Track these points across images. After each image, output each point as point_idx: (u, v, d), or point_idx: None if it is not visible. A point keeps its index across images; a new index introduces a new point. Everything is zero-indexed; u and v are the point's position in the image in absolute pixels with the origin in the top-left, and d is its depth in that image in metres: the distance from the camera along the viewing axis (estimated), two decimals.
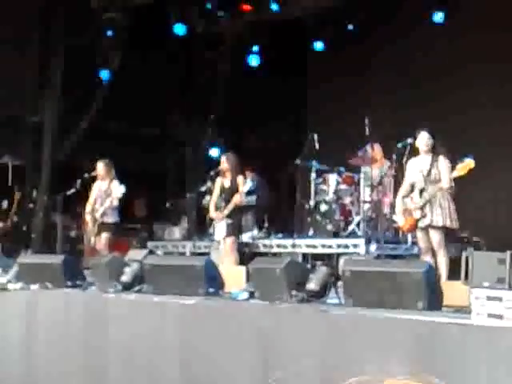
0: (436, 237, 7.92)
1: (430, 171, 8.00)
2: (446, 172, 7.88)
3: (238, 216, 10.02)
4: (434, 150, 8.07)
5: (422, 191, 8.01)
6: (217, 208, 9.97)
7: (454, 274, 7.27)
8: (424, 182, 8.01)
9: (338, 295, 5.79)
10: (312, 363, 5.22)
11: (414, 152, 8.36)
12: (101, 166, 10.65)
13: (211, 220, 10.09)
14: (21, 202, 12.85)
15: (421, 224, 7.99)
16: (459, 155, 7.70)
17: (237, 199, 9.89)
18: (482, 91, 12.27)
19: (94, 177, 10.70)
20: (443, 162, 7.97)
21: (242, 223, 10.34)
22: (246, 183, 10.01)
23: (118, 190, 10.40)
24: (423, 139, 8.10)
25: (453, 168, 7.74)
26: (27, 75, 13.88)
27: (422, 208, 7.94)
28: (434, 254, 7.93)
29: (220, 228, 9.85)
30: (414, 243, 8.95)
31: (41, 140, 13.98)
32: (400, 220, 8.31)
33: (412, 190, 8.15)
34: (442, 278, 7.25)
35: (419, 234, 8.10)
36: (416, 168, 8.15)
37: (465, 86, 12.45)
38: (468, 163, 7.54)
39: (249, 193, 10.37)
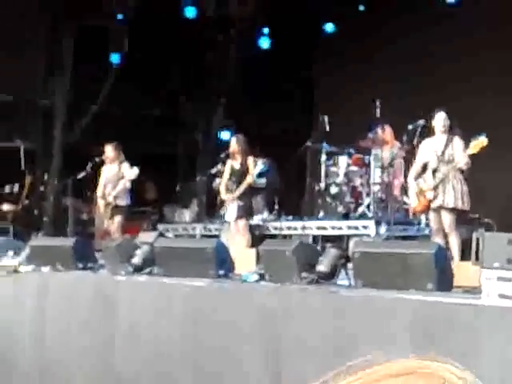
0: (447, 218, 7.87)
1: (444, 151, 7.95)
2: (461, 151, 7.84)
3: (248, 198, 10.00)
4: (450, 131, 8.04)
5: (434, 172, 7.97)
6: (227, 190, 9.95)
7: (464, 255, 7.26)
8: (437, 163, 7.96)
9: (347, 277, 5.79)
10: (321, 343, 5.22)
11: (425, 134, 8.30)
12: (109, 149, 10.60)
13: (222, 202, 10.08)
14: (32, 185, 12.88)
15: (433, 205, 7.95)
16: (471, 136, 7.65)
17: (249, 180, 9.85)
18: (493, 73, 12.18)
19: (105, 160, 10.70)
20: (458, 142, 7.93)
21: (253, 205, 10.31)
22: (256, 165, 9.98)
23: (131, 172, 10.38)
24: (440, 119, 8.05)
25: (466, 145, 7.70)
26: (38, 59, 13.87)
27: (434, 188, 7.90)
28: (445, 235, 7.90)
29: (231, 209, 9.84)
30: (428, 224, 8.91)
31: (52, 124, 14.00)
32: (413, 201, 8.28)
33: (423, 171, 8.11)
34: (454, 260, 7.22)
35: (431, 215, 8.06)
36: (430, 148, 8.10)
37: (477, 68, 12.36)
38: (481, 141, 7.49)
39: (259, 175, 10.34)
